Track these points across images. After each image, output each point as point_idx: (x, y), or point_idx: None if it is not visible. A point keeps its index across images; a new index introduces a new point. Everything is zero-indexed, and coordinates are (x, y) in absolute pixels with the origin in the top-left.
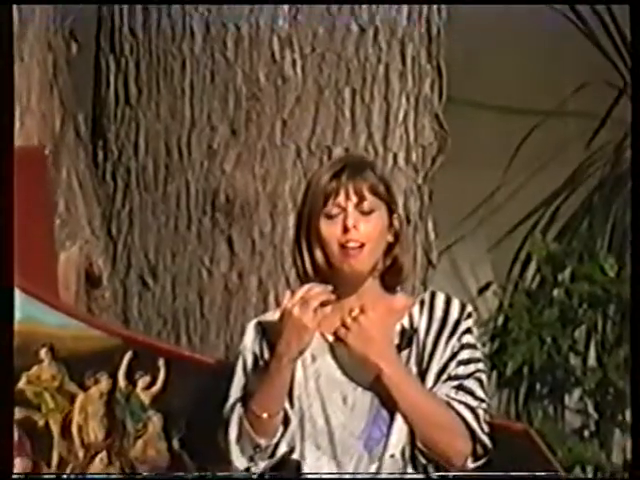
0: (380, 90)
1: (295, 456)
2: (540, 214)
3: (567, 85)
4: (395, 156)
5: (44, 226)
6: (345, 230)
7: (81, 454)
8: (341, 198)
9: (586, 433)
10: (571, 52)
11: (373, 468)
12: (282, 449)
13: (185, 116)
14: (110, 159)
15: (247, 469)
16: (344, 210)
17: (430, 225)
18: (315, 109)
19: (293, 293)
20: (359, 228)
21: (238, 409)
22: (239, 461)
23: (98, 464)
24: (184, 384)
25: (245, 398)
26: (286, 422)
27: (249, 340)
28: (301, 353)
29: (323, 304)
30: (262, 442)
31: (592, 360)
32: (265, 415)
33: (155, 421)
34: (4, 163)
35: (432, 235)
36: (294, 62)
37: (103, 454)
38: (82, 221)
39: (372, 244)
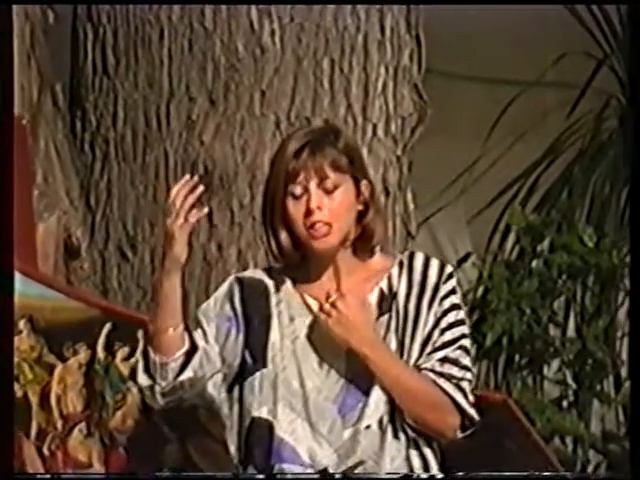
0: (359, 60)
1: (267, 416)
2: (519, 185)
3: (547, 56)
4: (374, 127)
5: (22, 197)
6: (309, 212)
7: (60, 425)
8: (302, 178)
9: (565, 403)
10: (551, 23)
11: (347, 434)
12: (187, 374)
13: (163, 86)
14: (88, 129)
15: (150, 387)
16: (306, 190)
17: (409, 196)
18: (294, 80)
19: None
20: (323, 208)
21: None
22: (141, 377)
23: (77, 435)
24: None
25: None
26: (193, 347)
27: (221, 291)
28: (177, 264)
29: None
30: (157, 359)
31: (571, 331)
32: (152, 328)
33: (134, 392)
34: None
35: (411, 206)
36: (273, 32)
37: (82, 425)
38: (60, 192)
39: (339, 222)
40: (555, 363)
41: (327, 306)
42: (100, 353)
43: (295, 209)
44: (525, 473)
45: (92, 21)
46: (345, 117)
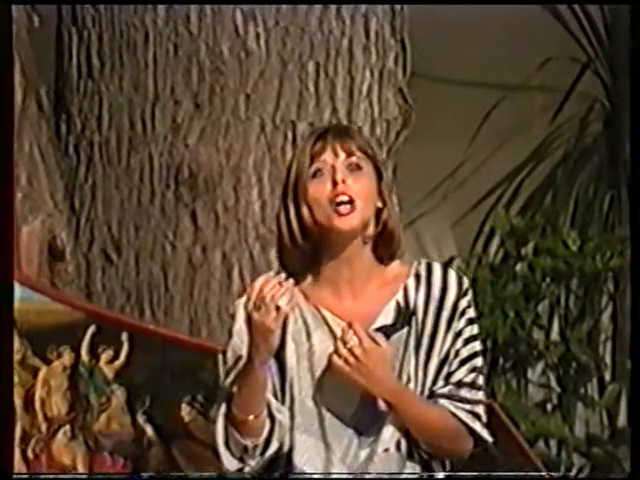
0: (344, 64)
1: (286, 444)
2: (504, 189)
3: (531, 60)
4: (359, 130)
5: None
6: (334, 184)
7: (44, 428)
8: (328, 155)
9: (549, 406)
10: (535, 27)
11: (363, 454)
12: (273, 447)
13: (148, 89)
14: (73, 132)
15: (240, 469)
16: (332, 167)
17: (394, 199)
18: (279, 83)
19: (249, 290)
20: (348, 183)
21: (223, 409)
22: (229, 463)
23: (61, 438)
24: (147, 358)
25: (228, 399)
26: (272, 420)
27: (240, 323)
28: (271, 354)
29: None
30: (248, 443)
31: (555, 334)
32: (250, 417)
33: (119, 395)
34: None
35: (396, 209)
36: (258, 36)
37: (66, 428)
38: (45, 194)
39: (362, 201)
40: (539, 366)
41: (344, 351)
42: (84, 356)
43: (317, 189)
44: (524, 473)
45: (77, 24)
46: (330, 120)
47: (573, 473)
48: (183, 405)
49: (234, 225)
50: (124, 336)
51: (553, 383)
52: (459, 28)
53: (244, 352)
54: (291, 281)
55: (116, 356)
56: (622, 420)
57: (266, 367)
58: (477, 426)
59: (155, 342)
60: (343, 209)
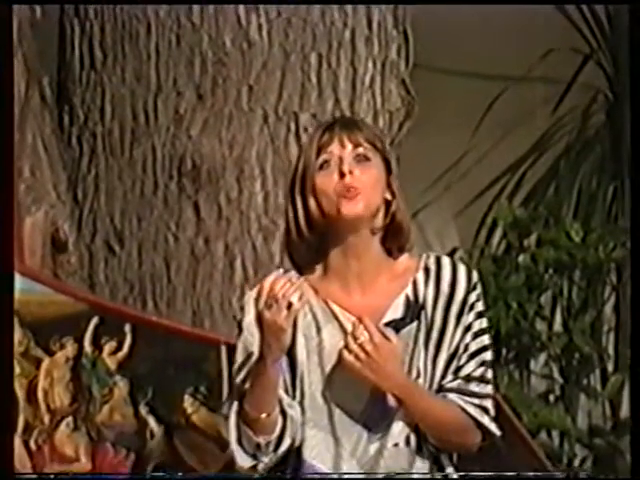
0: (346, 55)
1: (296, 440)
2: (506, 180)
3: (533, 51)
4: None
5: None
6: (341, 176)
7: (47, 419)
8: (335, 146)
9: (551, 398)
10: (537, 19)
11: (372, 449)
12: (286, 443)
13: (151, 81)
14: (76, 124)
15: (253, 466)
16: (339, 158)
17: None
18: (281, 74)
19: (260, 287)
20: (355, 174)
21: (235, 407)
22: (243, 460)
23: (64, 429)
24: (150, 349)
25: (240, 397)
26: (285, 416)
27: (251, 317)
28: (284, 352)
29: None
30: (261, 440)
31: (558, 325)
32: (262, 415)
33: (121, 386)
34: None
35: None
36: (260, 27)
37: (69, 419)
38: (48, 186)
39: (368, 191)
40: (542, 357)
41: (355, 346)
42: (87, 347)
43: (325, 180)
44: (525, 473)
45: (79, 16)
46: (333, 112)
47: (575, 464)
48: (186, 396)
49: (237, 217)
50: (127, 327)
51: (556, 374)
52: (461, 20)
53: (255, 348)
54: (302, 279)
55: (119, 347)
56: (625, 411)
57: (278, 365)
58: (485, 420)
59: (158, 333)
60: (349, 195)
